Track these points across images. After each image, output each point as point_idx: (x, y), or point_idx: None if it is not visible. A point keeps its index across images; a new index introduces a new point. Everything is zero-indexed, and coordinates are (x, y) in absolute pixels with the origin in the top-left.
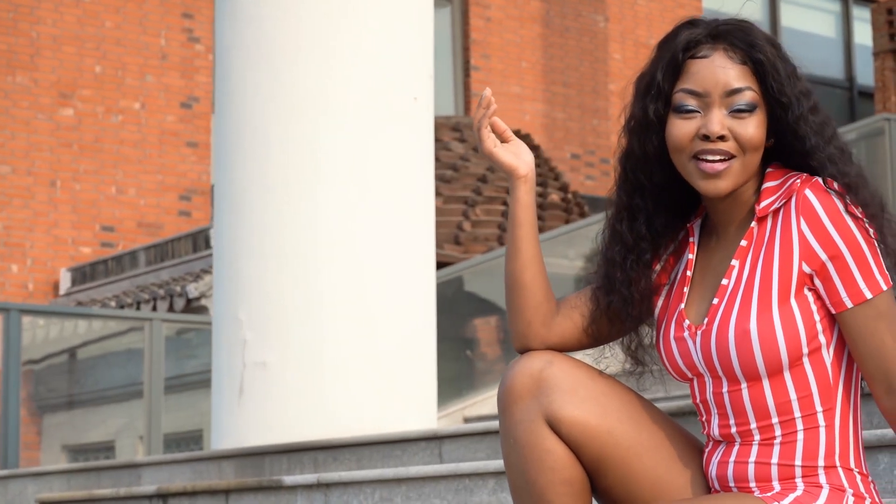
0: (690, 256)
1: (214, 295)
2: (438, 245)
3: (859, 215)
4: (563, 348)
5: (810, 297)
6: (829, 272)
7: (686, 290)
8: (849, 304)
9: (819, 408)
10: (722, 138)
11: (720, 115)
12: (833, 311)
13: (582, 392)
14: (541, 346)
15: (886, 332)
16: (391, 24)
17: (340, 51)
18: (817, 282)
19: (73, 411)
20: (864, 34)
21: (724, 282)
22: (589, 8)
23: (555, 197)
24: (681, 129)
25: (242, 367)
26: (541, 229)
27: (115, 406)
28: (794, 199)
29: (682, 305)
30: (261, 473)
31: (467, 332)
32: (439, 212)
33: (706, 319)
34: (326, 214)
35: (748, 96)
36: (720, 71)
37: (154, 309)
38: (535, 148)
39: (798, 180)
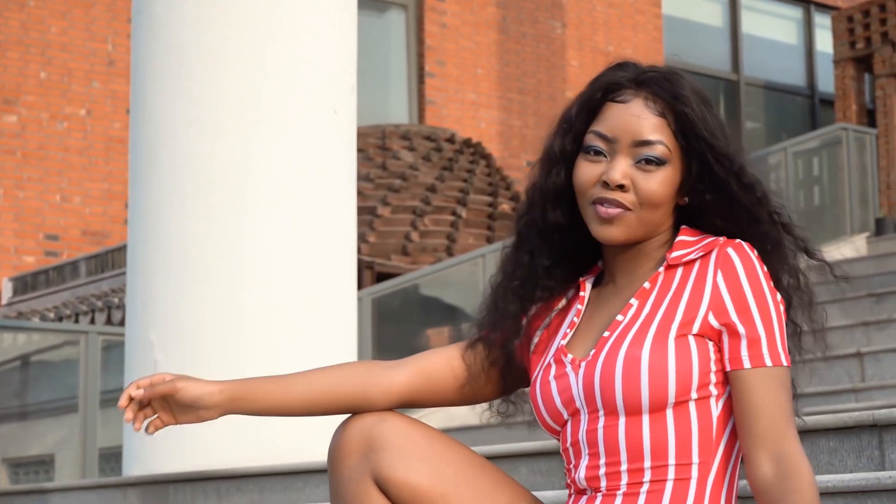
0: (580, 307)
1: (127, 315)
2: (385, 256)
3: (774, 286)
4: (426, 399)
5: (711, 346)
6: (737, 330)
7: (570, 332)
8: (747, 365)
9: (695, 459)
10: (622, 188)
11: (624, 164)
12: (728, 368)
13: (415, 452)
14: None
15: (785, 401)
16: (313, 38)
17: (259, 65)
18: (725, 337)
19: (12, 424)
20: (825, 41)
21: (619, 318)
22: (546, 14)
23: (505, 207)
24: (586, 171)
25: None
26: (490, 239)
27: (54, 420)
28: (714, 254)
29: (564, 342)
30: (165, 502)
31: (415, 343)
32: (387, 222)
33: (593, 351)
34: (244, 234)
35: (658, 150)
36: (634, 119)
37: (92, 321)
38: (487, 156)
39: (721, 239)
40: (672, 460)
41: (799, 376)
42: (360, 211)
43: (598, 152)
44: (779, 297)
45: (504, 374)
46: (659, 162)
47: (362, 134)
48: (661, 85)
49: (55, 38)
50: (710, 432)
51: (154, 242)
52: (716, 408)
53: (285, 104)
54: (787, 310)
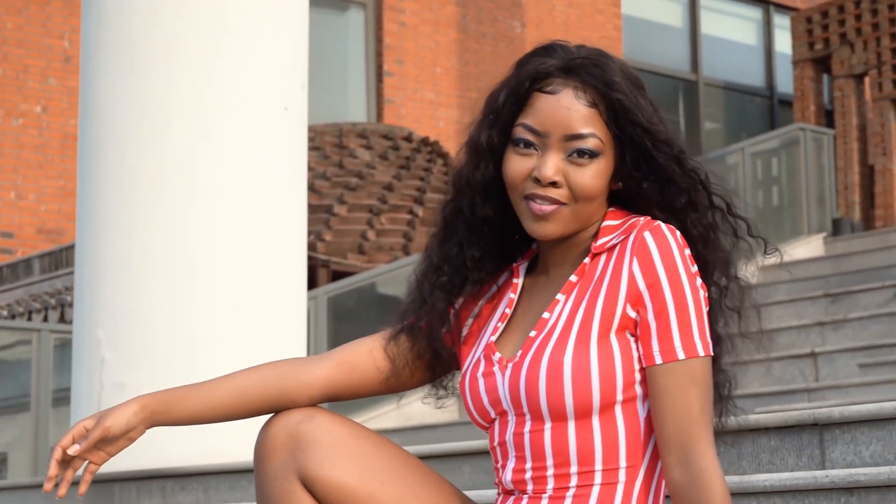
0: (512, 296)
1: (75, 313)
2: (342, 254)
3: (695, 271)
4: (349, 392)
5: (633, 343)
6: (648, 320)
7: (501, 325)
8: (658, 360)
9: (623, 463)
10: (554, 184)
11: (556, 159)
12: (644, 365)
13: (342, 450)
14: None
15: (695, 399)
16: (264, 35)
17: (210, 61)
18: (638, 330)
19: None
20: (784, 42)
21: (546, 315)
22: (506, 13)
23: None
24: (516, 165)
25: (100, 388)
26: None
27: (6, 418)
28: (631, 239)
29: (494, 338)
30: (110, 501)
31: None
32: (343, 220)
33: (520, 352)
34: (191, 230)
35: (591, 143)
36: (564, 112)
37: (45, 319)
38: (444, 155)
39: (642, 220)
40: (599, 465)
41: (747, 373)
42: (317, 209)
43: (528, 145)
44: (699, 282)
45: (432, 364)
46: (592, 154)
47: (319, 132)
48: (590, 72)
49: (11, 35)
50: (637, 435)
51: (102, 239)
52: (643, 409)
53: (234, 100)
54: (720, 299)
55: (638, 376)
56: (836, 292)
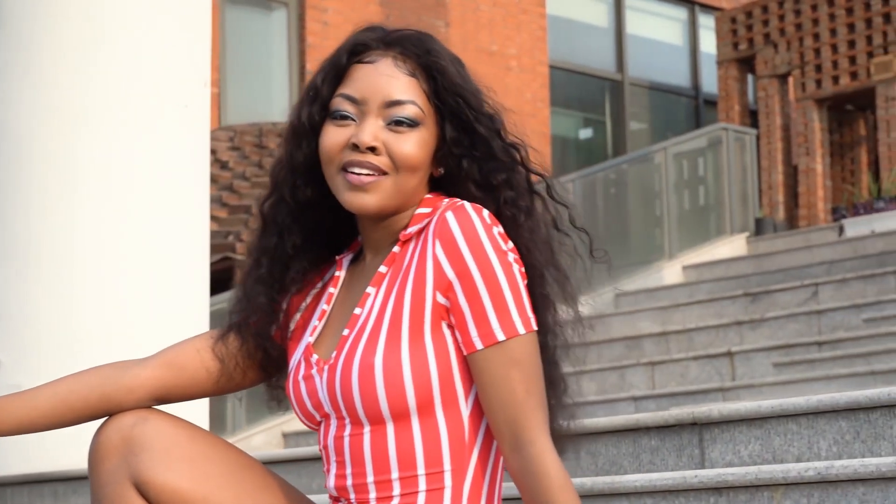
0: (332, 290)
1: None
2: None
3: (506, 248)
4: (179, 394)
5: (448, 334)
6: (461, 305)
7: (319, 324)
8: (479, 346)
9: (447, 466)
10: (373, 150)
11: (375, 125)
12: (465, 353)
13: (176, 453)
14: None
15: (518, 382)
16: (162, 30)
17: (104, 55)
18: (452, 317)
19: None
20: (709, 42)
21: (358, 311)
22: (430, 13)
23: None
24: (333, 136)
25: None
26: None
27: None
28: (434, 220)
29: (312, 339)
30: None
31: None
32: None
33: (334, 353)
34: (85, 230)
35: (410, 110)
36: (383, 79)
37: None
38: None
39: (447, 202)
40: (421, 470)
41: (665, 372)
42: (236, 210)
43: (345, 116)
44: (512, 257)
45: (263, 363)
46: (412, 123)
47: (239, 132)
48: (412, 43)
49: None
50: (461, 436)
51: None
52: (465, 407)
53: (120, 94)
54: (542, 285)
55: (457, 371)
56: (756, 291)
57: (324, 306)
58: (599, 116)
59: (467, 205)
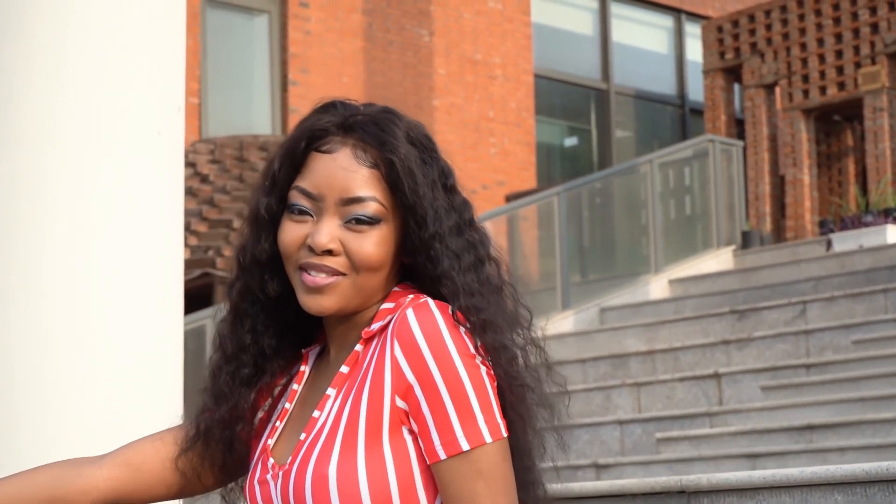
0: (295, 387)
1: None
2: None
3: (473, 351)
4: (135, 497)
5: (410, 441)
6: (422, 411)
7: (280, 424)
8: (442, 455)
9: None
10: (330, 252)
11: (332, 225)
12: (428, 462)
13: None
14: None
15: (484, 496)
16: (133, 54)
17: (72, 81)
18: (413, 423)
19: None
20: (696, 51)
21: (316, 413)
22: (413, 21)
23: None
24: (290, 233)
25: None
26: None
27: None
28: (394, 319)
29: (271, 441)
30: None
31: None
32: (242, 235)
33: (290, 458)
34: (52, 261)
35: (371, 208)
36: (341, 173)
37: None
38: None
39: (410, 298)
40: None
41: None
42: (217, 224)
43: (302, 212)
44: (479, 359)
45: (225, 465)
46: (371, 221)
47: (220, 145)
48: (369, 130)
49: None
50: None
51: None
52: None
53: (98, 123)
54: (513, 388)
55: (419, 480)
56: (743, 309)
57: (286, 404)
58: (585, 125)
59: (431, 302)
